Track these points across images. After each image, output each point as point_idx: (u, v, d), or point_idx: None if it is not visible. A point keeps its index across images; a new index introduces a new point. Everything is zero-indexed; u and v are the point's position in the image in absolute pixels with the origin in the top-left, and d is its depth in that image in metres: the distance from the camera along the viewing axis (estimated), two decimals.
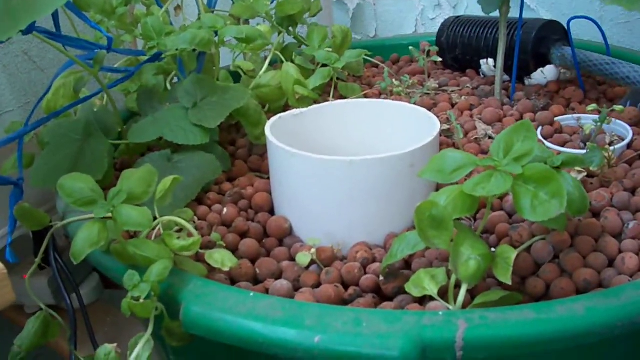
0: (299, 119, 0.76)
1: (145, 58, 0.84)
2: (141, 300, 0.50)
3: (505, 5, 0.86)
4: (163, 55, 0.84)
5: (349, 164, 0.63)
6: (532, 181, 0.50)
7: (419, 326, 0.47)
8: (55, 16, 0.76)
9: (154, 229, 0.60)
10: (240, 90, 0.79)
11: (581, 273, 0.55)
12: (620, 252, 0.58)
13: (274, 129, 0.71)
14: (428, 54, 0.96)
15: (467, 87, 0.96)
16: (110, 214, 0.55)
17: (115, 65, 0.95)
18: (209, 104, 0.77)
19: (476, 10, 0.91)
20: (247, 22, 0.99)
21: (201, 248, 0.67)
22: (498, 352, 0.47)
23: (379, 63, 1.11)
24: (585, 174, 0.68)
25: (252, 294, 0.53)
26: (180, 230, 0.61)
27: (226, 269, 0.57)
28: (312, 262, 0.63)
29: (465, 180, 0.52)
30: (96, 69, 0.76)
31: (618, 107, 0.75)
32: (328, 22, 1.25)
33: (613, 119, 0.80)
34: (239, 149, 0.85)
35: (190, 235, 0.59)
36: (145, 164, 0.62)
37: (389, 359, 0.46)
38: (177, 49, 0.78)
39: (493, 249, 0.61)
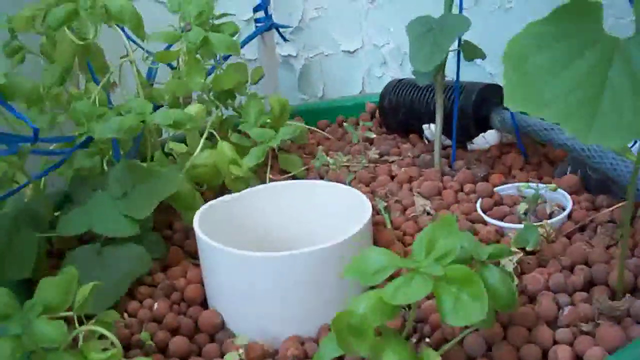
0: (230, 204, 0.74)
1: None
2: None
3: (440, 74, 0.85)
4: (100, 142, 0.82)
5: (275, 259, 0.61)
6: (454, 283, 0.49)
7: None
8: None
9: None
10: (171, 176, 0.78)
11: None
12: (555, 342, 0.56)
13: (204, 218, 0.70)
14: (374, 114, 0.95)
15: (409, 155, 0.95)
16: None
17: (52, 147, 0.93)
18: (139, 192, 0.75)
19: None
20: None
21: (129, 348, 0.65)
22: None
23: (323, 133, 1.09)
24: (521, 254, 0.66)
25: None
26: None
27: None
28: None
29: (390, 281, 0.50)
30: (22, 162, 0.74)
31: (551, 186, 0.74)
32: (273, 85, 1.24)
33: (554, 189, 0.79)
34: (176, 232, 0.83)
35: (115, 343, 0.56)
36: (68, 265, 0.60)
37: None
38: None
39: (428, 339, 0.59)
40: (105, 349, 0.56)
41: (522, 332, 0.57)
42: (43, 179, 0.84)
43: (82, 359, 0.54)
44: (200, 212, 0.70)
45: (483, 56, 0.84)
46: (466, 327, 0.58)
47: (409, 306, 0.63)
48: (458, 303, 0.48)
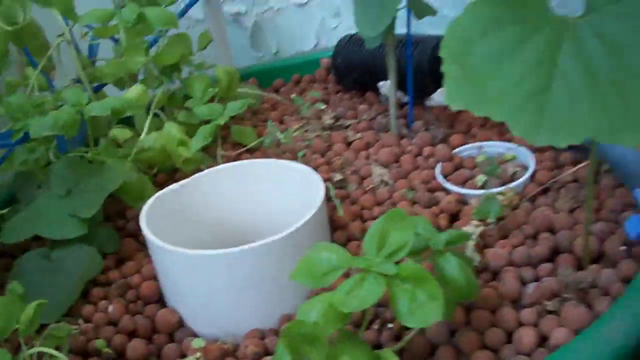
0: (179, 193, 0.71)
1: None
2: None
3: (390, 34, 0.81)
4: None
5: (227, 256, 0.58)
6: (408, 281, 0.46)
7: None
8: None
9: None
10: (117, 167, 0.74)
11: (478, 356, 0.52)
12: (520, 323, 0.54)
13: (152, 212, 0.66)
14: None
15: (364, 118, 0.91)
16: None
17: None
18: (84, 188, 0.72)
19: None
20: None
21: (87, 356, 0.62)
22: None
23: (277, 97, 1.05)
24: (482, 227, 0.64)
25: None
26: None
27: None
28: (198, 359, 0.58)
29: (340, 282, 0.48)
30: None
31: (509, 155, 0.72)
32: (224, 47, 1.19)
33: (515, 146, 0.77)
34: (129, 221, 0.80)
35: None
36: (14, 278, 0.58)
37: None
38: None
39: (390, 325, 0.57)
40: None
41: (486, 315, 0.55)
42: None
43: None
44: (146, 206, 0.67)
45: (434, 13, 0.80)
46: None
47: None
48: (414, 304, 0.45)
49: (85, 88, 0.87)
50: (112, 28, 0.90)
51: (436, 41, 0.91)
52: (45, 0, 0.81)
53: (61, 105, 0.75)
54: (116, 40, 0.99)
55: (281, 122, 0.97)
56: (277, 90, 1.11)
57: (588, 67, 0.37)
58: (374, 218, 0.71)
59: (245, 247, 0.58)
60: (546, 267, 0.60)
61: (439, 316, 0.44)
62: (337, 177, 0.76)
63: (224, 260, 0.59)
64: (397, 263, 0.47)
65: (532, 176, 0.72)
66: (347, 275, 0.50)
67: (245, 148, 0.87)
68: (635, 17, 0.37)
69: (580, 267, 0.59)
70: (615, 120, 0.35)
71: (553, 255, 0.61)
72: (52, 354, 0.54)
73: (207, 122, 0.82)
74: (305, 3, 1.28)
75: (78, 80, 0.91)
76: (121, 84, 0.92)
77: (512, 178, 0.72)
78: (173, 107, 0.92)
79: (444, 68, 0.40)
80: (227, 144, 0.90)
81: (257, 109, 1.02)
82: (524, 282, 0.58)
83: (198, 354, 0.58)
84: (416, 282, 0.46)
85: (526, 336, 0.52)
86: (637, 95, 0.35)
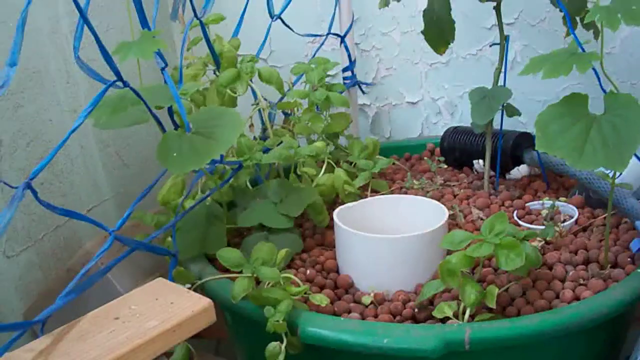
0: (352, 209, 1.13)
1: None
2: (280, 322, 0.86)
3: (490, 125, 1.24)
4: (250, 165, 1.20)
5: (392, 240, 1.00)
6: (505, 247, 0.87)
7: (444, 331, 0.83)
8: None
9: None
10: (310, 190, 1.17)
11: (538, 303, 0.92)
12: (563, 288, 0.94)
13: (339, 216, 1.08)
14: (433, 152, 1.34)
15: (464, 182, 1.33)
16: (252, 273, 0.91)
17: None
18: (290, 199, 1.14)
19: (468, 116, 1.26)
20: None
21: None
22: (489, 345, 0.83)
23: (400, 165, 1.48)
24: (543, 242, 1.04)
25: (341, 319, 0.89)
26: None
27: (323, 305, 0.92)
28: (371, 302, 0.98)
29: (466, 248, 0.89)
30: (216, 181, 1.13)
31: (562, 199, 1.13)
32: (355, 127, 1.63)
33: (566, 204, 1.17)
34: (306, 230, 1.22)
35: (296, 285, 0.95)
36: (260, 241, 0.99)
37: (428, 351, 0.82)
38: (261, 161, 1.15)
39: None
40: None
41: (544, 284, 0.95)
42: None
43: (286, 291, 0.92)
44: (336, 212, 1.09)
45: (519, 114, 1.22)
46: (509, 280, 0.95)
47: (473, 271, 1.01)
48: (508, 258, 0.86)
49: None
50: (290, 104, 1.34)
51: (516, 135, 1.33)
52: (268, 80, 1.26)
53: (280, 143, 1.19)
54: (287, 114, 1.44)
55: (403, 180, 1.39)
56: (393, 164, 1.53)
57: (603, 137, 0.78)
58: None
59: (405, 235, 0.99)
60: (581, 266, 0.99)
61: (522, 263, 0.84)
62: (450, 213, 1.17)
63: (390, 243, 1.00)
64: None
65: (576, 221, 1.13)
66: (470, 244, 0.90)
67: (380, 193, 1.29)
68: (626, 116, 0.78)
69: (602, 268, 0.99)
70: (614, 160, 0.76)
71: (586, 262, 1.01)
72: (294, 279, 0.95)
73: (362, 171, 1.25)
74: (415, 103, 1.71)
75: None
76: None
77: (563, 221, 1.13)
78: (336, 159, 1.34)
79: (536, 133, 0.82)
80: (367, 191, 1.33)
81: (384, 172, 1.44)
82: (566, 272, 0.98)
83: (372, 294, 0.99)
84: (509, 248, 0.86)
85: (567, 293, 0.92)
86: (626, 151, 0.76)
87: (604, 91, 0.85)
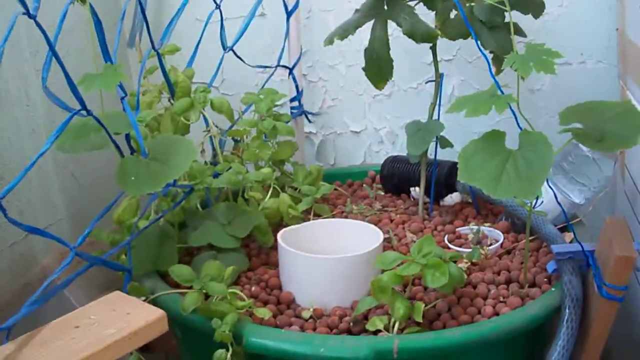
0: (295, 231, 1.21)
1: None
2: (226, 332, 0.93)
3: (425, 155, 1.34)
4: (201, 188, 1.28)
5: (331, 260, 1.08)
6: (432, 267, 0.96)
7: (374, 342, 0.92)
8: None
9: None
10: (256, 213, 1.25)
11: (462, 318, 1.01)
12: (485, 306, 1.04)
13: (283, 237, 1.16)
14: (374, 179, 1.45)
15: (401, 207, 1.43)
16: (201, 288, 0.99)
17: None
18: (238, 221, 1.22)
19: None
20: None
21: None
22: (415, 354, 0.92)
23: (343, 191, 1.57)
24: (470, 263, 1.14)
25: (282, 330, 0.97)
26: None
27: (266, 318, 1.01)
28: (310, 317, 1.07)
29: (397, 267, 0.98)
30: (169, 203, 1.21)
31: (489, 224, 1.23)
32: (301, 154, 1.72)
33: (493, 229, 1.28)
34: (252, 250, 1.30)
35: (242, 299, 1.03)
36: (210, 259, 1.07)
37: (360, 359, 0.90)
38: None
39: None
40: None
41: (468, 301, 1.05)
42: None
43: (233, 305, 1.00)
44: (280, 234, 1.17)
45: (451, 145, 1.32)
46: (437, 298, 1.05)
47: (405, 287, 1.11)
48: (434, 276, 0.95)
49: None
50: (240, 131, 1.43)
51: (450, 164, 1.43)
52: (219, 109, 1.34)
53: (229, 168, 1.27)
54: (236, 141, 1.53)
55: (345, 205, 1.48)
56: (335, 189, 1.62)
57: (517, 170, 0.88)
58: None
59: (342, 255, 1.08)
60: (503, 286, 1.09)
61: (445, 280, 0.93)
62: (386, 236, 1.26)
63: (327, 263, 1.09)
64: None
65: (501, 245, 1.23)
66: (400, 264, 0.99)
67: (323, 217, 1.38)
68: (538, 151, 0.89)
69: (521, 287, 1.09)
70: (526, 190, 0.86)
71: (507, 282, 1.11)
72: (240, 294, 1.03)
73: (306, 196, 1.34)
74: (359, 132, 1.80)
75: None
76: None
77: (489, 245, 1.23)
78: (282, 184, 1.42)
79: (459, 165, 0.92)
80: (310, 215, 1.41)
81: (327, 197, 1.53)
82: (489, 290, 1.08)
83: (311, 309, 1.07)
84: (435, 267, 0.96)
85: (487, 309, 1.01)
86: (536, 182, 0.87)
87: (520, 128, 0.96)
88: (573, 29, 1.56)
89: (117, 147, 1.02)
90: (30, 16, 0.78)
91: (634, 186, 1.21)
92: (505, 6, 0.96)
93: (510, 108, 0.95)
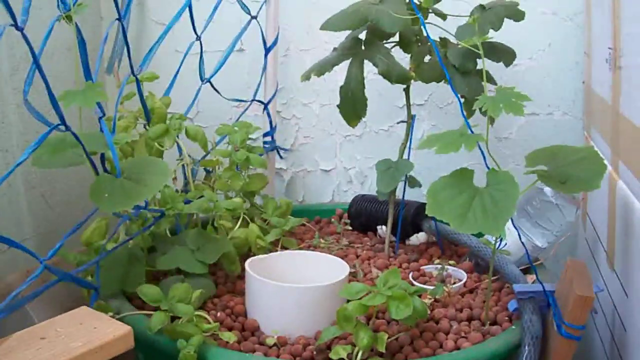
0: (263, 261, 1.22)
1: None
2: (191, 353, 0.94)
3: (393, 194, 1.37)
4: (171, 214, 1.29)
5: (297, 289, 1.10)
6: (396, 299, 0.98)
7: None
8: None
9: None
10: (225, 241, 1.26)
11: (424, 351, 1.03)
12: (446, 339, 1.06)
13: (250, 265, 1.18)
14: (341, 217, 1.46)
15: (368, 244, 1.45)
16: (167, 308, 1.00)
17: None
18: (207, 247, 1.24)
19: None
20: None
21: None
22: None
23: (311, 226, 1.59)
24: (433, 299, 1.16)
25: (246, 354, 0.98)
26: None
27: (231, 342, 1.01)
28: (274, 344, 1.08)
29: (362, 298, 1.00)
30: (139, 226, 1.22)
31: (451, 262, 1.26)
32: (271, 189, 1.74)
33: (457, 268, 1.30)
34: (218, 277, 1.31)
35: (208, 322, 1.03)
36: (174, 284, 1.08)
37: None
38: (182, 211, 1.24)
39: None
40: None
41: (430, 335, 1.06)
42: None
43: (198, 327, 1.00)
44: (248, 262, 1.19)
45: (420, 185, 1.35)
46: (400, 331, 1.07)
47: (369, 320, 1.12)
48: (398, 308, 0.97)
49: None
50: (213, 162, 1.45)
51: (417, 204, 1.46)
52: (193, 137, 1.36)
53: (201, 197, 1.28)
54: (208, 172, 1.54)
55: (312, 239, 1.50)
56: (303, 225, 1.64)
57: (484, 207, 0.91)
58: None
59: (309, 285, 1.10)
60: (465, 322, 1.12)
61: (409, 313, 0.95)
62: (351, 270, 1.28)
63: (292, 292, 1.10)
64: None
65: (464, 284, 1.26)
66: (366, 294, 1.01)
67: (290, 250, 1.40)
68: (504, 190, 0.92)
69: (483, 324, 1.11)
70: (490, 226, 0.89)
71: (469, 319, 1.13)
72: (205, 318, 1.04)
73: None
74: (329, 170, 1.83)
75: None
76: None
77: (453, 284, 1.25)
78: (251, 215, 1.44)
79: (427, 200, 0.95)
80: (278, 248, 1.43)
81: (294, 231, 1.55)
82: (451, 326, 1.10)
83: (275, 337, 1.08)
84: (399, 299, 0.98)
85: (448, 343, 1.03)
86: (501, 219, 0.89)
87: (488, 168, 0.99)
88: (541, 81, 1.62)
89: (93, 165, 1.03)
90: (17, 28, 0.80)
91: (594, 233, 1.25)
92: (479, 50, 1.00)
93: (479, 147, 0.99)
